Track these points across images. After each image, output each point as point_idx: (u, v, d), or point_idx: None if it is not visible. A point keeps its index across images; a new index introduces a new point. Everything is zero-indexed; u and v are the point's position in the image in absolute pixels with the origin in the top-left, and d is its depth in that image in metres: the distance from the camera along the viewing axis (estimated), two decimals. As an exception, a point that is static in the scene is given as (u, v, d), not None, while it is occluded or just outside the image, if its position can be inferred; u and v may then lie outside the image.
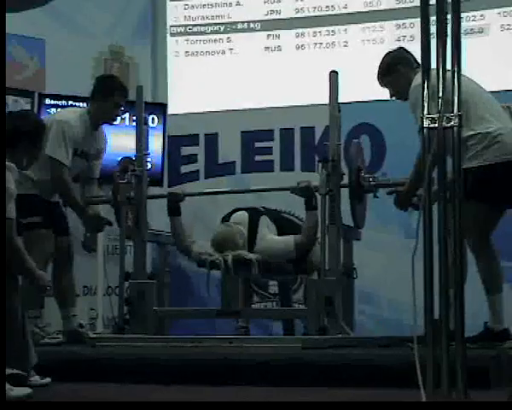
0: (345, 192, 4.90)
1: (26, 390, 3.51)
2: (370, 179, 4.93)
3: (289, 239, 5.10)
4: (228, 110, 6.89)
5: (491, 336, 4.29)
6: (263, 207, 5.41)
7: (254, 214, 5.27)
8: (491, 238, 4.36)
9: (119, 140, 5.88)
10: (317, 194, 4.93)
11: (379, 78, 4.73)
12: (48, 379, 3.80)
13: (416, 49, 4.48)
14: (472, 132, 4.17)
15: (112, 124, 5.52)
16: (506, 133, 4.29)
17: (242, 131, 6.96)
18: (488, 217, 4.30)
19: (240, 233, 5.10)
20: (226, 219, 5.27)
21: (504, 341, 4.31)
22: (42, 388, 3.72)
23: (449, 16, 2.52)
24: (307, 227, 5.06)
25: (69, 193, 5.25)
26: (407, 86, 4.44)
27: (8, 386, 3.43)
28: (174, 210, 5.31)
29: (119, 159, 5.46)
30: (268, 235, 5.19)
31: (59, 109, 6.03)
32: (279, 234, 5.23)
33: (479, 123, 4.22)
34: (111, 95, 5.33)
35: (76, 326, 5.27)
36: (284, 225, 5.33)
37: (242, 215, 5.25)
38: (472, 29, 6.42)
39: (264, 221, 5.24)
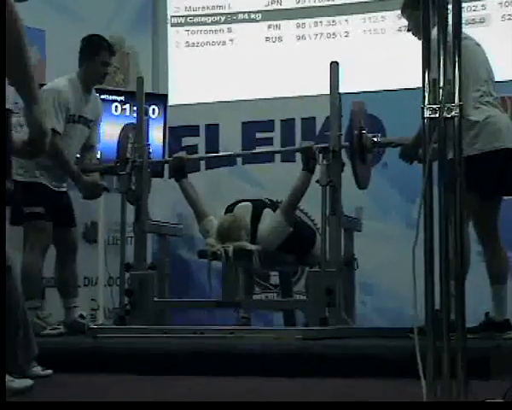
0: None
1: (27, 382, 3.52)
2: (373, 139, 4.90)
3: (276, 214, 5.07)
4: (228, 101, 6.88)
5: (493, 326, 4.29)
6: (268, 200, 5.41)
7: (258, 206, 5.27)
8: (496, 228, 4.36)
9: (119, 131, 5.86)
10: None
11: (402, 8, 4.72)
12: (49, 371, 3.80)
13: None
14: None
15: (101, 83, 5.52)
16: (496, 121, 4.29)
17: (243, 122, 6.95)
18: (482, 206, 4.30)
19: (243, 225, 5.09)
20: (230, 209, 5.27)
21: (505, 331, 4.31)
22: (42, 379, 3.72)
23: (450, 6, 2.51)
24: (295, 188, 5.01)
25: (63, 159, 5.18)
26: None
27: (8, 378, 3.43)
28: (180, 173, 5.32)
29: (123, 125, 5.48)
30: (265, 225, 5.18)
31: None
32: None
33: (469, 109, 4.20)
34: (97, 54, 5.34)
35: (77, 317, 5.28)
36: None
37: (246, 206, 5.25)
38: (473, 19, 6.41)
39: (267, 214, 5.23)
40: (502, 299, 4.34)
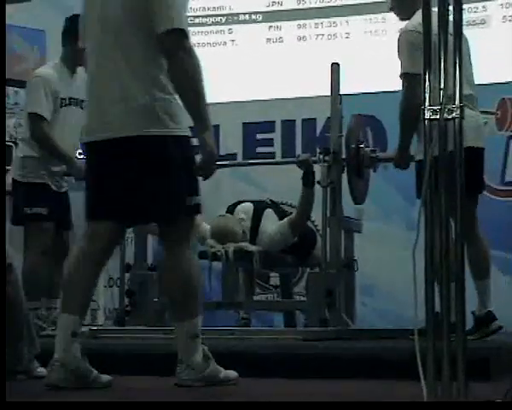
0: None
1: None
2: (371, 153, 4.88)
3: (283, 224, 5.09)
4: (229, 102, 6.88)
5: (479, 322, 4.29)
6: (269, 200, 5.41)
7: (259, 207, 5.27)
8: (473, 225, 4.34)
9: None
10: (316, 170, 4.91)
11: None
12: None
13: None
14: None
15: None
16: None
17: (244, 123, 6.95)
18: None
19: (239, 224, 5.09)
20: (231, 210, 5.27)
21: (490, 323, 4.31)
22: (42, 380, 3.72)
23: (450, 7, 2.51)
24: (301, 204, 5.03)
25: (52, 144, 5.11)
26: (407, 8, 4.44)
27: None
28: None
29: None
30: (268, 228, 5.18)
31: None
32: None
33: None
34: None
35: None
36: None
37: (247, 207, 5.25)
38: (474, 20, 6.41)
39: (268, 214, 5.24)
40: (485, 293, 4.33)
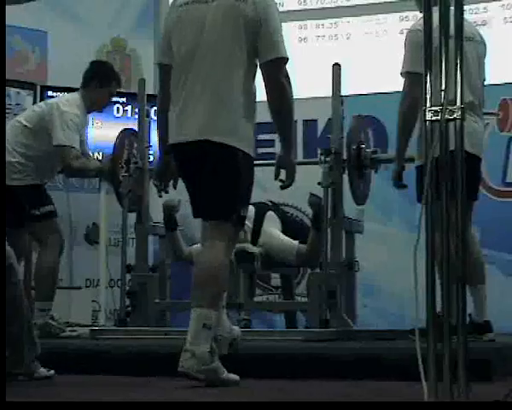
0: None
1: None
2: (372, 154, 4.88)
3: (293, 245, 5.11)
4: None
5: (474, 328, 4.26)
6: (270, 202, 5.42)
7: (261, 209, 5.28)
8: (466, 230, 4.33)
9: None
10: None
11: None
12: (52, 371, 3.82)
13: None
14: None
15: (101, 112, 5.50)
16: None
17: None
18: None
19: None
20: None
21: (485, 333, 4.28)
22: (44, 380, 3.73)
23: (452, 8, 2.51)
24: (310, 245, 5.06)
25: (86, 171, 5.31)
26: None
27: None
28: (170, 224, 5.29)
29: (120, 130, 5.45)
30: (273, 230, 5.20)
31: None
32: (283, 231, 5.25)
33: None
34: (109, 83, 5.26)
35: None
36: (289, 222, 5.34)
37: (249, 209, 5.26)
38: (475, 21, 6.39)
39: (270, 216, 5.24)
40: (479, 300, 4.30)
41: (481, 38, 4.53)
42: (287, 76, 3.64)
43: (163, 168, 3.84)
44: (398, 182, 4.54)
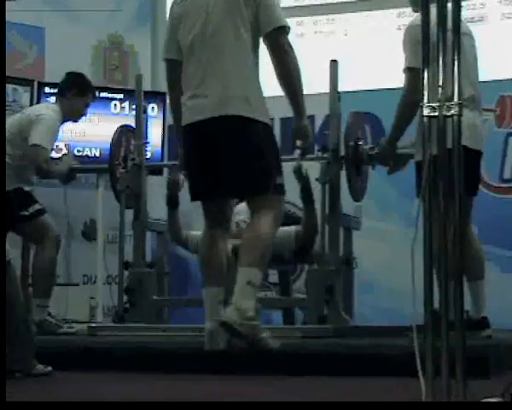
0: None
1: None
2: (369, 151, 4.87)
3: (289, 231, 5.10)
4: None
5: (471, 324, 4.25)
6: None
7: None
8: (466, 226, 4.33)
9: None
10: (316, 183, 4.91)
11: None
12: (49, 368, 3.82)
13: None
14: None
15: (76, 122, 5.51)
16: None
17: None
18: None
19: (235, 222, 5.10)
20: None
21: (483, 329, 4.28)
22: (42, 378, 3.73)
23: (449, 5, 2.51)
24: (305, 222, 5.06)
25: (50, 173, 5.24)
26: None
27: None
28: (172, 201, 5.29)
29: (117, 127, 5.45)
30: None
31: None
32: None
33: None
34: (84, 93, 5.29)
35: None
36: (285, 217, 5.32)
37: (246, 205, 5.25)
38: (472, 17, 6.41)
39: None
40: (477, 296, 4.30)
41: (472, 33, 4.53)
42: (289, 44, 3.85)
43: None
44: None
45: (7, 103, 6.15)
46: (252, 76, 3.83)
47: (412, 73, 4.22)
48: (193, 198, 3.97)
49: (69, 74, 5.43)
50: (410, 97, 4.24)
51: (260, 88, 3.86)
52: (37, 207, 5.07)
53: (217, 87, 3.75)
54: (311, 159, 4.93)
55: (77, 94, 5.25)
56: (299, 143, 4.02)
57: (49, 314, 5.08)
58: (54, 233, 5.10)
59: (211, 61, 3.78)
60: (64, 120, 5.31)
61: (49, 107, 5.32)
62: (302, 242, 5.15)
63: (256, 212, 3.78)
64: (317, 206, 4.88)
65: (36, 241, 5.15)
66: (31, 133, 5.01)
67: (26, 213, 5.01)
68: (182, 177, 5.05)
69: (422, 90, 2.48)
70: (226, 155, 3.73)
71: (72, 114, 5.31)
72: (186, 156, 3.97)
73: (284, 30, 3.83)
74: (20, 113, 5.43)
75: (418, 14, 4.33)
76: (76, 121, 5.50)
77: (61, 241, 5.25)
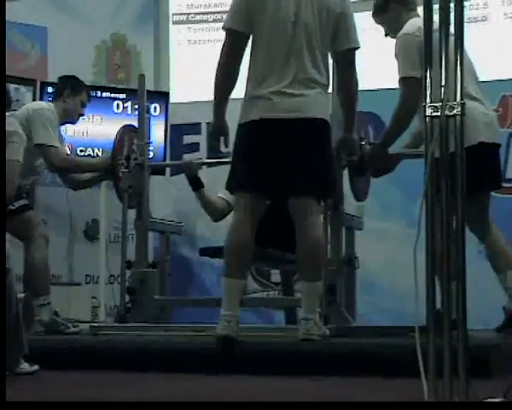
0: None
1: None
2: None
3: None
4: (230, 98, 6.86)
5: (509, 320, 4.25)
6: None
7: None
8: (486, 222, 4.34)
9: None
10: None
11: (373, 16, 4.74)
12: (36, 367, 3.80)
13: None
14: None
15: (74, 123, 5.53)
16: (471, 113, 4.25)
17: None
18: (468, 203, 4.26)
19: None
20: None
21: None
22: (42, 378, 3.72)
23: (452, 4, 2.51)
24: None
25: (79, 164, 5.40)
26: (398, 26, 4.45)
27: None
28: (195, 183, 5.33)
29: (120, 127, 5.46)
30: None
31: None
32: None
33: None
34: (78, 92, 5.33)
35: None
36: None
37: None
38: (475, 17, 6.40)
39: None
40: (510, 285, 4.28)
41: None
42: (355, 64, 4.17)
43: (220, 125, 4.24)
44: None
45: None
46: (325, 83, 4.10)
47: (408, 84, 4.22)
48: (242, 188, 4.03)
49: (61, 77, 5.49)
50: (405, 108, 4.26)
51: None
52: (22, 202, 5.06)
53: (306, 90, 3.97)
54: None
55: (71, 93, 5.30)
56: (345, 155, 4.38)
57: (56, 314, 5.07)
58: (42, 232, 5.08)
59: (297, 62, 3.99)
60: (62, 123, 5.33)
61: (48, 104, 5.34)
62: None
63: (310, 215, 4.00)
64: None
65: (22, 237, 5.08)
66: (34, 130, 5.02)
67: (13, 207, 4.98)
68: (196, 159, 5.12)
69: (425, 89, 2.48)
70: (301, 155, 3.91)
71: (69, 114, 5.34)
72: (247, 146, 4.04)
73: (355, 51, 4.16)
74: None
75: (409, 21, 4.35)
76: (74, 123, 5.51)
77: (48, 234, 5.20)
